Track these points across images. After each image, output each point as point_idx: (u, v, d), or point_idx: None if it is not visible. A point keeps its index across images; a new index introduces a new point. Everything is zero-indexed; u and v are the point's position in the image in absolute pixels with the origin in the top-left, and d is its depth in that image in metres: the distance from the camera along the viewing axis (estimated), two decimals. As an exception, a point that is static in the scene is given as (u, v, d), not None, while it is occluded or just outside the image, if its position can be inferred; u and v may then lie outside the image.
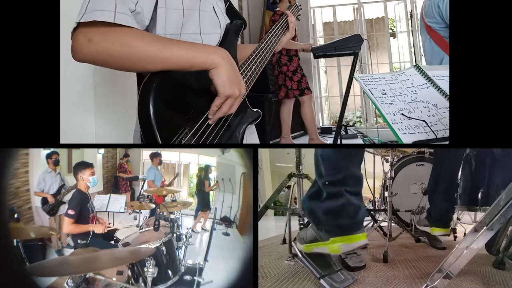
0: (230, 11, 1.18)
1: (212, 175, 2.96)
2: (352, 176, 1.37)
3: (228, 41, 1.09)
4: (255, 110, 1.14)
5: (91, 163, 1.95)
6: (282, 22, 1.37)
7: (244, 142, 1.12)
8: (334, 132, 3.43)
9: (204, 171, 2.94)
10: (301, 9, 1.57)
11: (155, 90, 0.87)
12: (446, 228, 1.96)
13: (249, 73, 1.09)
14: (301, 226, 1.82)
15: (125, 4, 0.87)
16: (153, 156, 2.66)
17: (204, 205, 2.92)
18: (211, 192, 2.97)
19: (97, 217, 1.98)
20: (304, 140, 4.35)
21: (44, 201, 2.13)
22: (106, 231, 1.85)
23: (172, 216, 1.96)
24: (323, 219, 1.38)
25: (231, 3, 1.21)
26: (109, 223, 2.21)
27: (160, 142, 0.86)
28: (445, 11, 2.33)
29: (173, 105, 0.91)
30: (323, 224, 1.39)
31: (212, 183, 2.93)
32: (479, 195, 1.68)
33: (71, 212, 1.81)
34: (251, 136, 1.22)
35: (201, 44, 1.01)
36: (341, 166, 1.35)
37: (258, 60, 1.15)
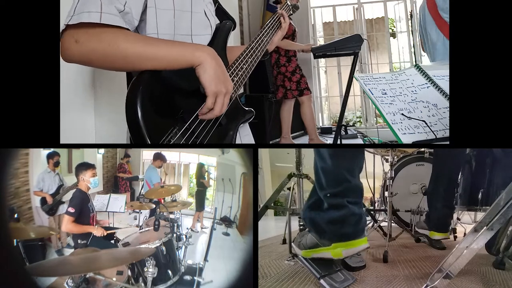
0: (219, 11, 1.18)
1: (207, 173, 2.97)
2: (353, 187, 1.38)
3: (217, 42, 1.09)
4: (247, 109, 1.13)
5: (93, 164, 1.94)
6: (274, 21, 1.36)
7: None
8: (334, 132, 3.42)
9: (198, 169, 2.95)
10: (292, 7, 1.55)
11: (143, 90, 0.86)
12: (445, 233, 1.96)
13: (240, 72, 1.09)
14: (301, 227, 1.82)
15: (112, 3, 0.87)
16: (157, 157, 2.65)
17: (199, 204, 2.92)
18: (207, 192, 2.97)
19: (97, 220, 1.97)
20: (304, 140, 4.34)
21: (43, 201, 2.14)
22: (105, 234, 1.85)
23: (172, 216, 1.96)
24: (325, 229, 1.39)
25: (220, 3, 1.21)
26: (109, 224, 2.21)
27: (149, 143, 0.85)
28: None
29: (161, 105, 0.90)
30: (326, 233, 1.39)
31: (207, 180, 2.94)
32: (479, 195, 1.68)
33: (71, 209, 1.80)
34: (246, 138, 1.21)
35: (187, 42, 1.01)
36: (342, 178, 1.36)
37: (249, 60, 1.15)
